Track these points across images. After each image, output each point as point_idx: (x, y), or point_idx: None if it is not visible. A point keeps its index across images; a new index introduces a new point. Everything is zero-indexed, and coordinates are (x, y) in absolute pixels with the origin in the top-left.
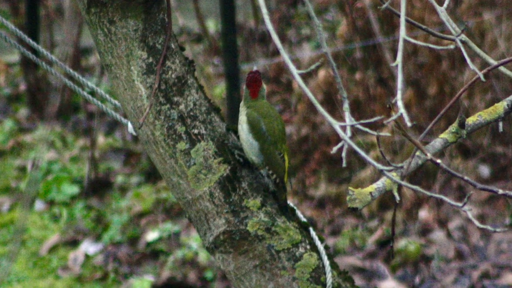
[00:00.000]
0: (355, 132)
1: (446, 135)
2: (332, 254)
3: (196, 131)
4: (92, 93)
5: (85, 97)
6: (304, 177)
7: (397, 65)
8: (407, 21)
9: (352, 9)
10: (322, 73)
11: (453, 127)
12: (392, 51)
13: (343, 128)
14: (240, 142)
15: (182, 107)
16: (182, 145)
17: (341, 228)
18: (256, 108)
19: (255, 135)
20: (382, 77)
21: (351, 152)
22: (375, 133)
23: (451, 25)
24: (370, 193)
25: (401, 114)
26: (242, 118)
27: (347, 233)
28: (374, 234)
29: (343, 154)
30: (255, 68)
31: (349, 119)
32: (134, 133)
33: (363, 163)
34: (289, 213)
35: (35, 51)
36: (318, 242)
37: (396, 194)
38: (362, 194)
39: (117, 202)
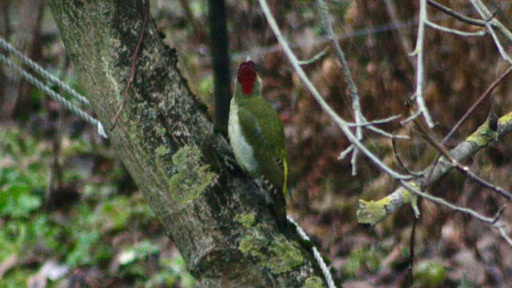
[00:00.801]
0: (366, 134)
1: (474, 138)
2: (340, 278)
3: (178, 133)
4: (56, 88)
5: (47, 92)
6: (307, 188)
7: (416, 55)
8: (428, 2)
9: None
10: (327, 65)
11: (483, 128)
12: (411, 39)
13: (353, 130)
14: (231, 146)
15: (161, 104)
16: (162, 150)
17: (350, 248)
18: (250, 106)
19: (249, 138)
20: (398, 69)
21: (362, 158)
22: (390, 135)
23: (480, 7)
24: (385, 206)
25: (422, 112)
26: (233, 118)
27: (358, 254)
28: (389, 255)
29: (353, 161)
30: (248, 59)
31: (359, 119)
32: (105, 136)
33: (377, 171)
34: (288, 230)
35: None
36: (323, 265)
37: (415, 207)
38: (375, 207)
39: (85, 217)
